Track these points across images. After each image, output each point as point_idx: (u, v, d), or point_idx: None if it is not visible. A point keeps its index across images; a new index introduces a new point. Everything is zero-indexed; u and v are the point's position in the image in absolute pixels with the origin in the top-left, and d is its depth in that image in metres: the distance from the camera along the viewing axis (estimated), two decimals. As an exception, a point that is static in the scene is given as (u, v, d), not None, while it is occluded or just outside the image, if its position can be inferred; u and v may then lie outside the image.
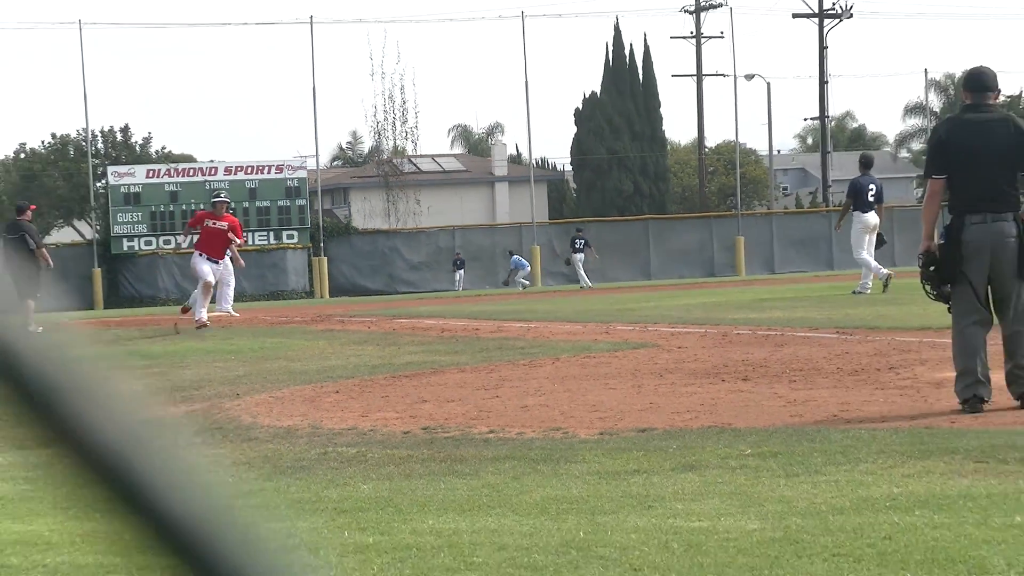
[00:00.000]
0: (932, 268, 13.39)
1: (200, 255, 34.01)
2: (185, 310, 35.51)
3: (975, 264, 12.94)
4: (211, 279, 33.46)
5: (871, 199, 34.16)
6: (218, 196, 36.98)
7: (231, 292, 37.02)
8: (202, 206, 52.05)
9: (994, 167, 13.09)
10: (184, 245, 43.77)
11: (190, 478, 0.76)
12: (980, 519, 8.45)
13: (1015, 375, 13.02)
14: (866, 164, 35.56)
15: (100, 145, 77.25)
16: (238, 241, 35.83)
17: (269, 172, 66.03)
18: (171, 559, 0.69)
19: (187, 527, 0.70)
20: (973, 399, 12.93)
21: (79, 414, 0.72)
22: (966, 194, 13.27)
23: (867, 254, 35.31)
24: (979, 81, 13.71)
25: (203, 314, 32.84)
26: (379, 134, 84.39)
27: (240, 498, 10.75)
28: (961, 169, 13.19)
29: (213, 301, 35.70)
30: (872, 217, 34.07)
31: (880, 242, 35.56)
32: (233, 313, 35.50)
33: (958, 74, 72.01)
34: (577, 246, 63.31)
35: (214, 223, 34.43)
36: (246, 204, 61.98)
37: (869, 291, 33.98)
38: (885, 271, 35.71)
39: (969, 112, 13.65)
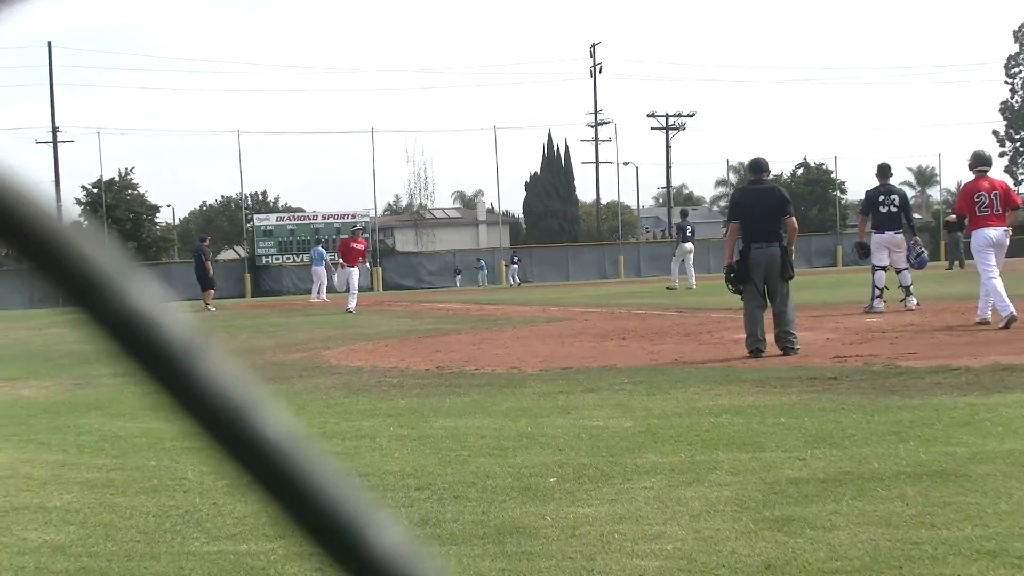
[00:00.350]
0: (732, 275, 16.11)
1: (344, 267, 39.18)
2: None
3: (757, 272, 15.72)
4: (354, 285, 37.70)
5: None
6: (357, 227, 45.93)
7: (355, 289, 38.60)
8: (309, 238, 70.52)
9: (767, 216, 15.85)
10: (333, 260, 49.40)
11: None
12: (759, 419, 10.03)
13: (780, 336, 15.66)
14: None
15: (250, 202, 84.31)
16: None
17: (347, 217, 75.99)
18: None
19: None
20: (755, 350, 15.67)
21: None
22: (751, 232, 15.90)
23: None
24: (757, 166, 17.02)
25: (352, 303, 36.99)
26: (411, 196, 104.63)
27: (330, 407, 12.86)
28: (748, 217, 16.01)
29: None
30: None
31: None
32: (350, 307, 36.85)
33: (745, 161, 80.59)
34: (515, 260, 78.25)
35: (355, 244, 39.58)
36: (335, 236, 69.68)
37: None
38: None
39: (752, 184, 16.91)
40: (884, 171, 24.23)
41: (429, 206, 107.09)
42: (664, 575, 5.60)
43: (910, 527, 6.24)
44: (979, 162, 19.68)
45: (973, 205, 18.58)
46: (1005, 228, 18.60)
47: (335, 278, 42.26)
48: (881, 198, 23.56)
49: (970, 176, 19.78)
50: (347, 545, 0.38)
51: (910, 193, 23.65)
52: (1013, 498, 6.77)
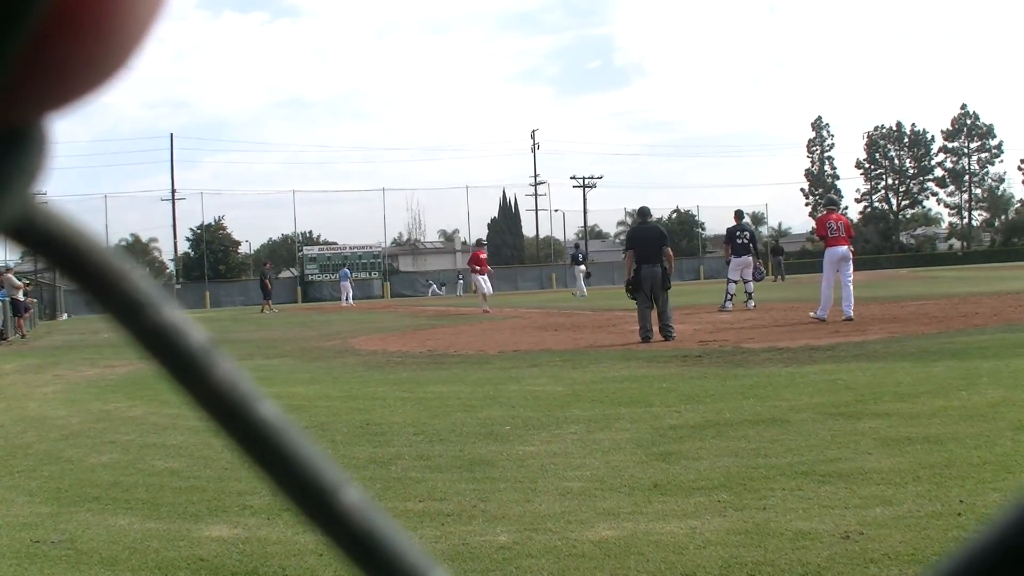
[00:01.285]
0: (629, 286, 16.10)
1: (478, 275, 32.76)
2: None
3: (646, 284, 15.77)
4: (487, 289, 32.40)
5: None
6: (480, 241, 36.37)
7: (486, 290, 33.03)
8: (339, 263, 72.08)
9: (651, 246, 15.93)
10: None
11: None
12: (649, 385, 10.06)
13: (663, 327, 15.65)
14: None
15: (300, 238, 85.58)
16: (480, 268, 33.40)
17: (368, 247, 76.85)
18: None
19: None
20: (645, 338, 15.56)
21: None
22: (641, 257, 15.93)
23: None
24: (643, 212, 17.23)
25: (486, 306, 31.21)
26: (410, 232, 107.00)
27: (359, 375, 13.00)
28: (638, 247, 16.06)
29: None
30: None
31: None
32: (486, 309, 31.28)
33: (636, 208, 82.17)
34: (459, 278, 73.95)
35: (482, 255, 33.19)
36: (357, 261, 74.26)
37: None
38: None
39: (641, 224, 16.86)
40: (739, 214, 25.03)
41: (422, 239, 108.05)
42: (585, 492, 5.58)
43: (751, 457, 6.28)
44: (830, 203, 20.39)
45: (827, 231, 18.72)
46: (848, 247, 18.59)
47: (482, 284, 32.79)
48: (738, 233, 24.27)
49: (811, 214, 20.52)
50: (323, 502, 0.36)
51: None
52: (819, 436, 6.81)
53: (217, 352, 0.36)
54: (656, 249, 16.10)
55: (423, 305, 45.25)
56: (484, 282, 32.81)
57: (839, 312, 17.93)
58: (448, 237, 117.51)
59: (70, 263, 0.35)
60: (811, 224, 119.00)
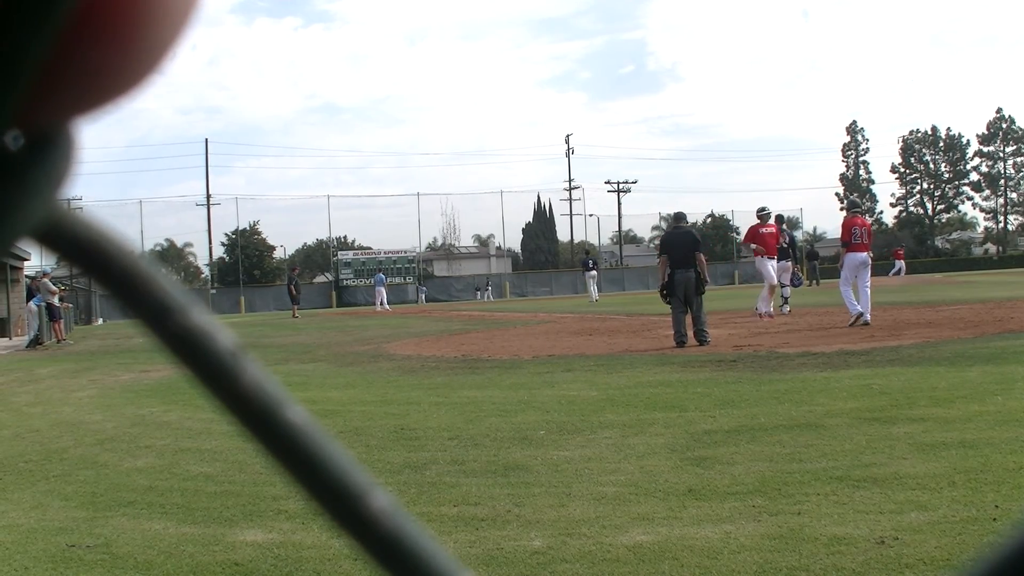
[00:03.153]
0: (664, 291, 16.15)
1: (763, 258, 22.56)
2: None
3: (679, 289, 15.88)
4: (775, 281, 22.74)
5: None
6: (763, 209, 23.55)
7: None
8: (374, 267, 73.79)
9: (685, 251, 16.00)
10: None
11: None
12: (683, 389, 10.06)
13: (697, 332, 15.66)
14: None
15: (335, 242, 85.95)
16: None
17: (402, 252, 78.50)
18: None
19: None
20: (680, 342, 15.57)
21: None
22: (674, 261, 16.03)
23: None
24: (678, 217, 17.43)
25: (769, 309, 22.19)
26: (444, 237, 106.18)
27: (394, 379, 12.94)
28: (672, 252, 16.10)
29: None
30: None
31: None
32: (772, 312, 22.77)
33: (671, 214, 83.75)
34: (487, 285, 76.92)
35: (764, 230, 22.79)
36: (392, 266, 75.53)
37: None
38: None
39: (675, 229, 16.83)
40: (779, 219, 24.77)
41: (456, 244, 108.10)
42: (619, 497, 5.57)
43: (785, 461, 6.25)
44: (853, 206, 20.07)
45: (851, 236, 18.69)
46: (868, 253, 18.61)
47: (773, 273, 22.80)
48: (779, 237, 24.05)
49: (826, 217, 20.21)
50: (351, 506, 0.36)
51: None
52: (853, 441, 6.77)
53: (245, 356, 0.36)
54: (689, 254, 16.14)
55: (458, 310, 45.33)
56: (770, 266, 22.93)
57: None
58: (483, 242, 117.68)
59: (98, 268, 0.35)
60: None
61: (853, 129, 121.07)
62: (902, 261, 65.75)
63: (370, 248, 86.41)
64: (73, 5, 0.31)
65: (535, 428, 8.14)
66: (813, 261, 56.72)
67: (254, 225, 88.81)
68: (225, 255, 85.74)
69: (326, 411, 9.83)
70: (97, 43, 0.33)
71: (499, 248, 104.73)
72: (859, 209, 20.51)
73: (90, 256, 0.35)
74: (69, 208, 0.35)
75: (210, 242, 79.88)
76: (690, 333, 15.87)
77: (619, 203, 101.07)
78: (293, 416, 0.36)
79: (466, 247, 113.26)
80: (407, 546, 0.38)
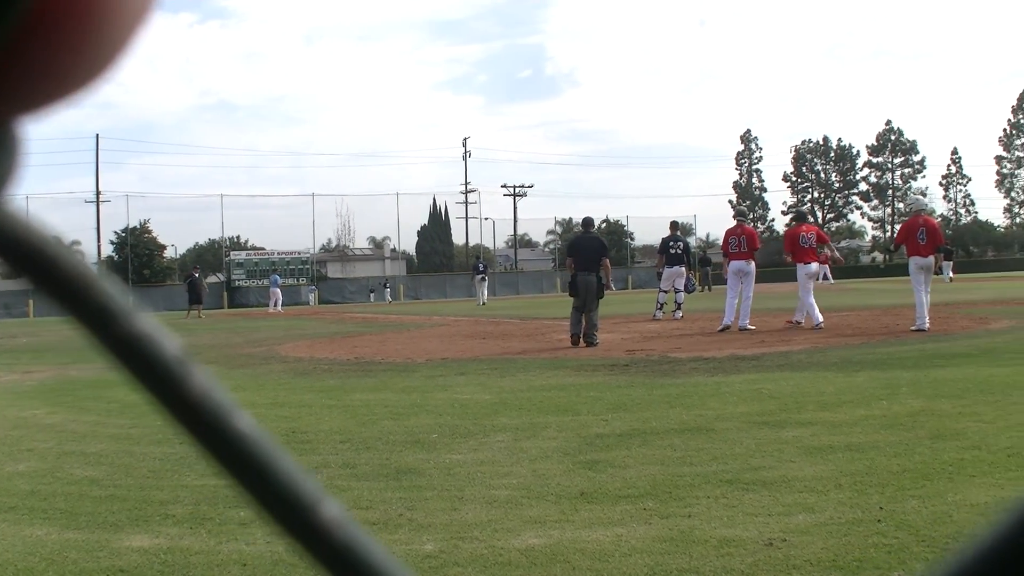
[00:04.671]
0: (571, 290, 16.73)
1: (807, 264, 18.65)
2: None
3: (581, 291, 16.46)
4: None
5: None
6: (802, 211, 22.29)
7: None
8: (267, 268, 73.04)
9: (590, 256, 16.67)
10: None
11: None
12: (576, 393, 10.17)
13: (587, 333, 16.27)
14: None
15: (228, 242, 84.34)
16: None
17: (296, 254, 77.88)
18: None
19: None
20: (574, 342, 16.22)
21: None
22: (579, 265, 16.68)
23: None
24: (587, 222, 17.83)
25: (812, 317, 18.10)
26: (339, 239, 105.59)
27: (285, 382, 12.94)
28: (578, 255, 16.77)
29: None
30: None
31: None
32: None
33: (567, 218, 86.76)
34: (386, 285, 74.49)
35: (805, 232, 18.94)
36: (286, 267, 74.70)
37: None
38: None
39: (583, 233, 17.47)
40: (674, 225, 25.55)
41: (351, 246, 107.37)
42: (512, 500, 5.60)
43: (676, 465, 6.33)
44: (801, 217, 20.82)
45: (728, 245, 19.33)
46: (749, 260, 19.25)
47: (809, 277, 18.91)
48: (671, 244, 24.65)
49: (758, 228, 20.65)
50: (302, 516, 0.37)
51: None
52: (743, 444, 6.90)
53: (192, 363, 0.37)
54: (595, 258, 16.81)
55: (351, 312, 45.01)
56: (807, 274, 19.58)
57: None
58: (377, 244, 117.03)
59: (39, 270, 0.35)
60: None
61: (747, 138, 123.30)
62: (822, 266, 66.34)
63: (263, 248, 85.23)
64: (23, 4, 0.31)
65: (428, 431, 8.13)
66: (706, 267, 57.66)
67: (144, 223, 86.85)
68: (114, 254, 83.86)
69: (151, 406, 9.67)
70: (47, 42, 0.33)
71: (394, 250, 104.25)
72: (744, 218, 21.18)
73: (32, 259, 0.35)
74: (11, 208, 0.36)
75: (99, 240, 77.99)
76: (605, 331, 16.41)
77: (515, 207, 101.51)
78: (241, 424, 0.36)
79: (361, 249, 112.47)
80: (359, 556, 0.38)
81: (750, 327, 18.72)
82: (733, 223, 20.33)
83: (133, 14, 0.35)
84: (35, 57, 0.33)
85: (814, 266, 18.81)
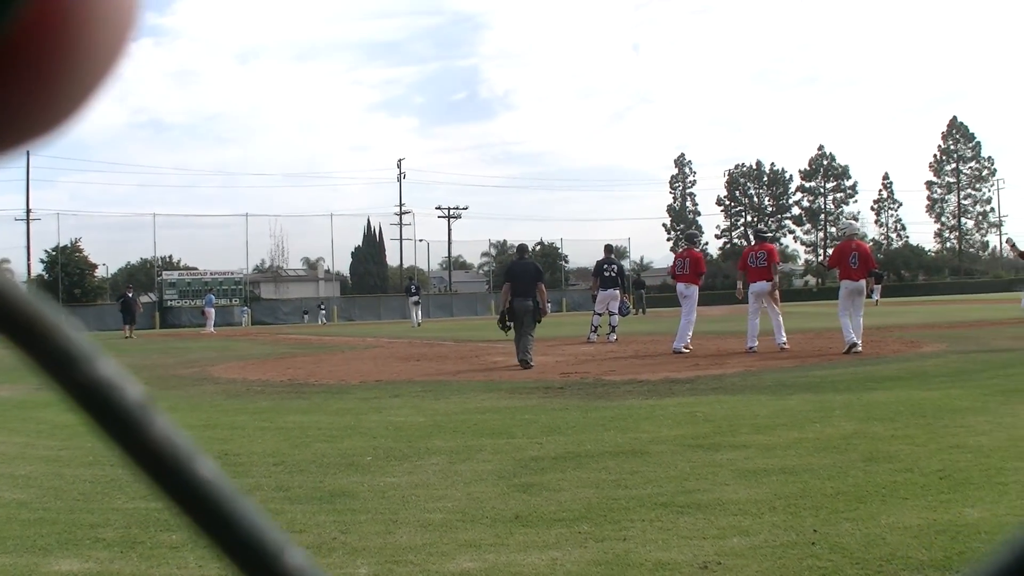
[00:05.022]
0: (504, 317, 16.85)
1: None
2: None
3: (519, 316, 16.60)
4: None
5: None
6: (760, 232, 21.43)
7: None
8: (200, 288, 72.66)
9: (527, 281, 16.88)
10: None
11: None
12: (511, 416, 10.15)
13: (521, 358, 16.41)
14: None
15: (160, 262, 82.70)
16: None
17: (229, 274, 77.43)
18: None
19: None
20: (524, 363, 16.21)
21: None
22: (516, 290, 16.84)
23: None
24: (523, 249, 18.15)
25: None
26: (273, 259, 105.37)
27: (215, 403, 12.67)
28: (515, 280, 17.00)
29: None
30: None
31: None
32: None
33: (500, 240, 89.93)
34: (321, 307, 74.95)
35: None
36: (218, 288, 73.02)
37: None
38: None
39: (519, 259, 17.69)
40: (609, 248, 25.64)
41: (284, 267, 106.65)
42: (446, 524, 5.57)
43: (611, 488, 6.35)
44: (691, 239, 21.46)
45: (675, 268, 20.23)
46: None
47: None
48: (606, 267, 24.71)
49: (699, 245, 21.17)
50: (266, 564, 0.36)
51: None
52: (678, 467, 6.93)
53: (154, 408, 0.36)
54: (531, 284, 17.03)
55: (285, 333, 44.72)
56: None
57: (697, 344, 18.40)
58: (311, 265, 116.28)
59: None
60: (671, 258, 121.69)
61: (681, 162, 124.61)
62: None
63: (196, 268, 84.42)
64: None
65: (362, 454, 8.09)
66: (640, 290, 58.16)
67: (76, 242, 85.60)
68: (44, 272, 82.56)
69: (113, 451, 9.55)
70: (8, 84, 0.32)
71: (328, 271, 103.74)
72: (691, 242, 21.59)
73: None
74: None
75: (28, 259, 76.85)
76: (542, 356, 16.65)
77: (449, 229, 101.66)
78: (204, 471, 0.36)
79: (294, 270, 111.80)
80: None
81: (684, 349, 18.92)
82: (687, 246, 21.15)
83: (102, 59, 0.34)
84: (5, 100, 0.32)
85: (765, 285, 19.00)
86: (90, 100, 0.35)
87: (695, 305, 20.01)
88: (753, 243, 20.59)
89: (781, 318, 19.07)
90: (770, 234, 22.19)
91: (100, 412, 0.36)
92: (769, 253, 19.30)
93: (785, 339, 18.67)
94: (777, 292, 19.23)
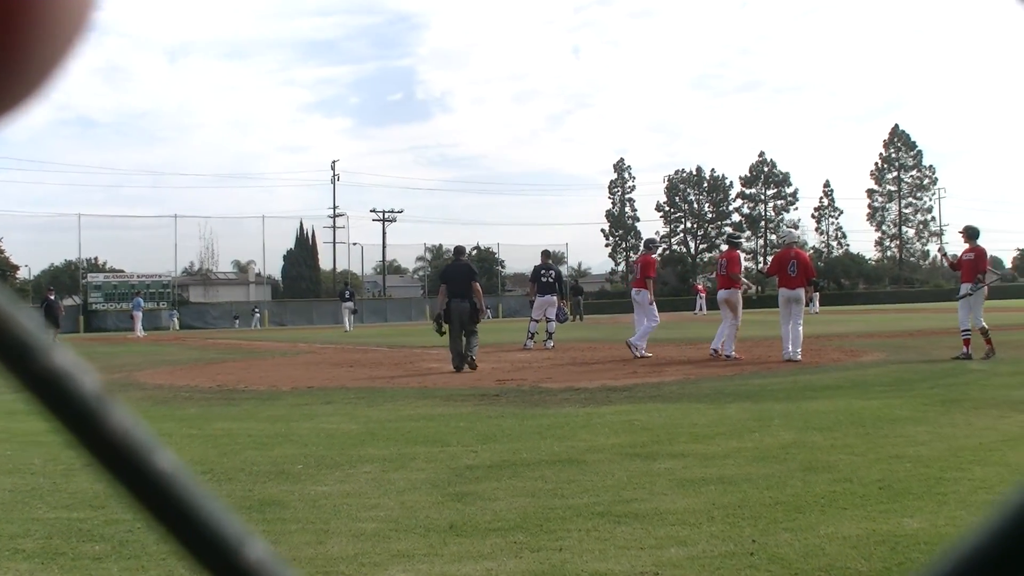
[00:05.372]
0: (440, 320, 17.14)
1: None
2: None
3: (455, 318, 16.92)
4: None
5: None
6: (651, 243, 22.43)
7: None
8: (127, 291, 71.06)
9: (462, 282, 17.18)
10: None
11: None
12: (446, 424, 10.15)
13: (468, 358, 16.83)
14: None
15: (85, 264, 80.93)
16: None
17: (157, 276, 77.05)
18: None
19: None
20: (457, 367, 16.65)
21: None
22: (452, 292, 17.12)
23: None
24: (459, 250, 18.50)
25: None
26: (202, 262, 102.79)
27: (140, 416, 12.80)
28: (450, 282, 17.33)
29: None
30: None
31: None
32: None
33: (436, 244, 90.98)
34: (255, 311, 74.90)
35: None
36: (145, 291, 71.60)
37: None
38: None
39: (455, 261, 18.03)
40: (546, 254, 25.94)
41: (214, 270, 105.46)
42: (379, 534, 5.55)
43: (547, 497, 6.37)
44: (730, 239, 22.41)
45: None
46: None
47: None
48: (543, 272, 24.83)
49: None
50: (226, 558, 0.37)
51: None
52: (615, 476, 6.97)
53: (111, 400, 0.36)
54: (466, 284, 17.33)
55: (214, 338, 44.31)
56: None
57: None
58: (242, 268, 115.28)
59: None
60: (610, 265, 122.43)
61: (620, 167, 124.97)
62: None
63: (123, 271, 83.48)
64: None
65: (292, 462, 8.04)
66: (578, 296, 58.36)
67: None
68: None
69: (70, 443, 9.42)
70: None
71: (259, 275, 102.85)
72: (647, 248, 21.88)
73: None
74: None
75: (-54, 258, 75.92)
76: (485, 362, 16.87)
77: (384, 232, 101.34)
78: (163, 463, 0.36)
79: (224, 273, 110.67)
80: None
81: (647, 354, 19.24)
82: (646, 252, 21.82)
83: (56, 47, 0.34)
84: None
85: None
86: (53, 76, 0.35)
87: (654, 308, 20.34)
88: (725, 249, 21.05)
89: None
90: (740, 239, 22.83)
91: (56, 403, 0.36)
92: (728, 261, 19.71)
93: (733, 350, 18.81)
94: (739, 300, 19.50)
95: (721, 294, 19.51)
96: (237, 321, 74.24)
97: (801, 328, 17.75)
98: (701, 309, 63.60)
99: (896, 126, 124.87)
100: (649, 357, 19.15)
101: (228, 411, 12.10)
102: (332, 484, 7.08)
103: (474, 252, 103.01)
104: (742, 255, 19.86)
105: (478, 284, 17.58)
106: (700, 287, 70.13)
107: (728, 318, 19.11)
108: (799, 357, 17.16)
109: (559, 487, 6.68)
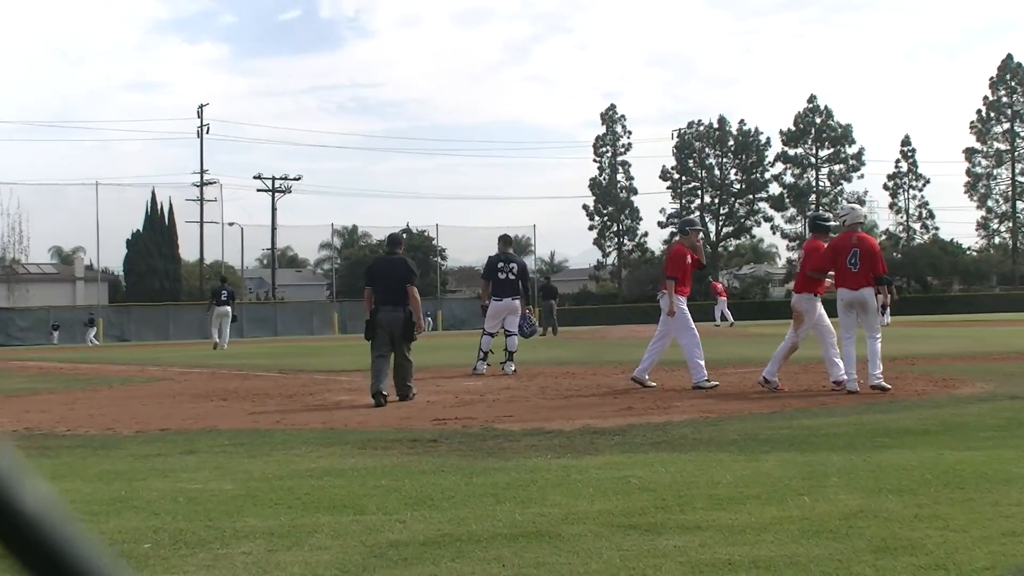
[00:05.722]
0: (368, 328, 17.44)
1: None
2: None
3: (384, 331, 17.34)
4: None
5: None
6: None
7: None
8: None
9: (394, 284, 17.49)
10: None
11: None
12: (360, 482, 10.09)
13: (399, 386, 17.34)
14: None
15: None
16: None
17: None
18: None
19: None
20: (377, 402, 16.75)
21: None
22: (381, 296, 17.42)
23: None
24: (393, 240, 18.82)
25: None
26: (3, 249, 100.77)
27: None
28: (378, 283, 17.61)
29: None
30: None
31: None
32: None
33: (348, 225, 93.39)
34: (92, 321, 74.51)
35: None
36: None
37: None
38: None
39: (388, 255, 18.39)
40: (506, 241, 25.53)
41: (23, 260, 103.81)
42: (261, 642, 5.47)
43: (507, 588, 6.23)
44: (687, 226, 21.67)
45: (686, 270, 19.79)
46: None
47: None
48: (500, 265, 24.69)
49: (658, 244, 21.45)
50: None
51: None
52: (603, 557, 6.90)
53: None
54: (400, 287, 17.55)
55: (22, 359, 44.05)
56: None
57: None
58: (65, 257, 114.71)
59: None
60: (593, 254, 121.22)
61: (610, 117, 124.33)
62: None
63: None
64: None
65: (137, 539, 7.93)
66: (550, 300, 57.15)
67: None
68: None
69: None
70: None
71: (90, 268, 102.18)
72: (685, 232, 20.81)
73: None
74: None
75: None
76: (392, 389, 17.13)
77: (273, 208, 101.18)
78: (30, 504, 0.31)
79: (39, 265, 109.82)
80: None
81: (651, 384, 19.13)
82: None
83: None
84: None
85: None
86: None
87: (683, 322, 19.75)
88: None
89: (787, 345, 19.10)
90: (828, 222, 20.13)
91: None
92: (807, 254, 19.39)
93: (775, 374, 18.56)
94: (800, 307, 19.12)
95: (796, 300, 19.10)
96: (56, 333, 73.82)
97: (879, 343, 17.47)
98: (725, 318, 62.12)
99: (1009, 57, 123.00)
100: (654, 387, 19.00)
101: (41, 465, 11.88)
102: (194, 571, 6.99)
103: (403, 236, 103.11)
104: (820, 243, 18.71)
105: (415, 289, 17.70)
106: (720, 287, 68.46)
107: (815, 334, 18.78)
108: (882, 381, 16.94)
109: (523, 573, 6.61)
